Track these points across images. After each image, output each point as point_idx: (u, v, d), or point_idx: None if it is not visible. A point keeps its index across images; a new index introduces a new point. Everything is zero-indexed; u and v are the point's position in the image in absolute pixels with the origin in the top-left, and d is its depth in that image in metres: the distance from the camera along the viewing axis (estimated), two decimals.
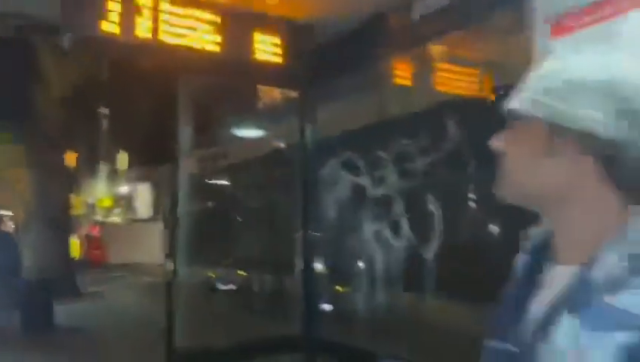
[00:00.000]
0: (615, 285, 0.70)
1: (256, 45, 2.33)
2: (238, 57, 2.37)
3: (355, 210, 2.81)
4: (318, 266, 2.84)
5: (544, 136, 0.78)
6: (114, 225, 24.55)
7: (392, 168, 2.55)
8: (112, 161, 30.64)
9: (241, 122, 13.91)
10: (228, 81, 4.01)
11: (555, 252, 0.82)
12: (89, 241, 21.87)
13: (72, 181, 16.32)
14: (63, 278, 10.85)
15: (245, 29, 2.30)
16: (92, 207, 32.70)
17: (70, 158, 15.93)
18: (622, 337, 0.67)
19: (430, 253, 2.31)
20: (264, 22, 2.34)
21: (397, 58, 2.94)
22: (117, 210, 31.14)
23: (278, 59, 2.40)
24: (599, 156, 0.76)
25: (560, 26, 1.54)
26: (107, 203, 32.34)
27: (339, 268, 2.90)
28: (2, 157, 12.25)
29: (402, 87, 2.94)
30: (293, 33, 2.41)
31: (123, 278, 15.77)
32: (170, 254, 2.49)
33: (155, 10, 2.04)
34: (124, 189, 29.61)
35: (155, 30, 2.07)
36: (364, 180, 2.74)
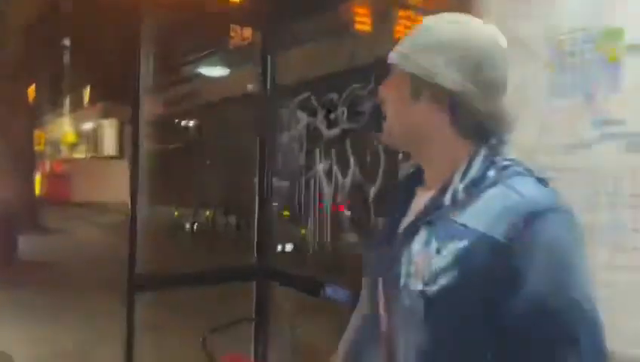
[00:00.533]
0: (458, 206, 0.90)
1: None
2: None
3: (310, 151, 2.95)
4: (275, 205, 2.99)
5: (410, 86, 0.95)
6: (78, 162, 24.10)
7: (344, 110, 2.68)
8: (76, 96, 29.74)
9: (206, 62, 13.66)
10: (192, 19, 3.99)
11: (424, 181, 1.01)
12: (53, 178, 21.53)
13: (34, 116, 15.91)
14: (26, 214, 10.82)
15: None
16: (56, 144, 31.97)
17: (32, 92, 15.45)
18: (460, 243, 0.86)
19: (373, 193, 2.49)
20: None
21: (358, 4, 3.00)
22: (81, 147, 30.52)
23: None
24: (448, 106, 0.93)
25: None
26: (71, 139, 31.61)
27: (293, 206, 3.07)
28: None
29: (362, 34, 3.02)
30: None
31: (87, 216, 15.76)
32: (132, 191, 2.59)
33: None
34: (88, 125, 28.92)
35: None
36: (319, 122, 2.87)
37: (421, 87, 0.94)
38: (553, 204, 0.87)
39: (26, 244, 8.98)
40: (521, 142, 1.48)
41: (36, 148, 18.67)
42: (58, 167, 22.33)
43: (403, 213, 1.01)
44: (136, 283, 2.39)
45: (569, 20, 1.39)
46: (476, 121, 0.93)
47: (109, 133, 26.67)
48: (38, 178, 18.90)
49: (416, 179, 1.03)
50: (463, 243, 0.86)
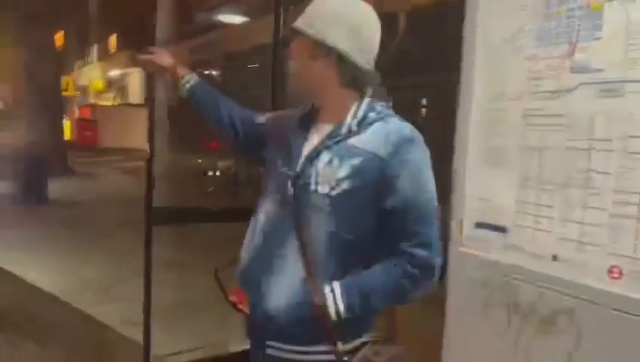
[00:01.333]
0: (352, 135, 1.28)
1: None
2: None
3: None
4: None
5: (312, 47, 1.29)
6: (106, 108, 24.46)
7: None
8: (104, 43, 29.91)
9: (226, 10, 13.53)
10: None
11: (319, 117, 1.36)
12: (81, 124, 21.98)
13: (62, 62, 16.15)
14: (55, 157, 11.19)
15: None
16: (84, 90, 32.42)
17: (60, 39, 15.61)
18: (355, 160, 1.25)
19: None
20: None
21: None
22: (109, 94, 30.92)
23: None
24: (336, 63, 1.29)
25: None
26: (99, 86, 32.01)
27: None
28: None
29: None
30: None
31: (113, 161, 16.15)
32: (149, 138, 2.70)
33: None
34: (116, 73, 29.20)
35: None
36: None
37: (318, 48, 1.28)
38: (415, 134, 1.29)
39: (56, 186, 9.35)
40: (511, 89, 1.57)
41: (65, 94, 19.05)
42: (86, 113, 22.71)
43: (300, 143, 1.35)
44: (154, 217, 2.56)
45: None
46: (356, 75, 1.30)
47: (134, 82, 26.92)
48: (67, 123, 19.36)
49: (310, 116, 1.38)
50: (357, 160, 1.25)
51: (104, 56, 30.33)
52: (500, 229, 1.58)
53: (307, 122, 1.38)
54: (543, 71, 1.46)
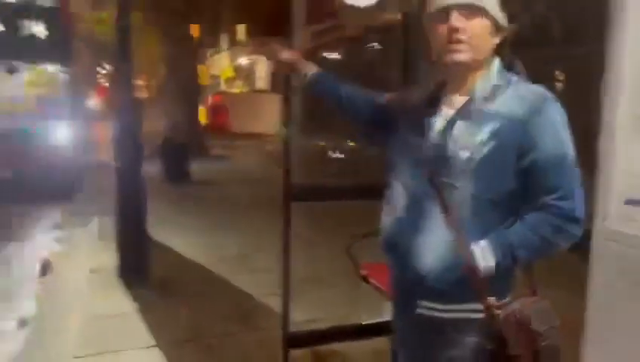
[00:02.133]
0: (488, 101, 1.35)
1: None
2: None
3: None
4: None
5: (493, 24, 1.37)
6: (236, 95, 25.98)
7: None
8: (233, 33, 31.68)
9: None
10: None
11: (448, 90, 1.44)
12: (214, 110, 23.60)
13: (197, 52, 17.43)
14: (194, 140, 12.21)
15: None
16: (216, 78, 34.68)
17: (194, 30, 16.84)
18: (494, 124, 1.32)
19: None
20: None
21: None
22: (238, 82, 32.77)
23: None
24: (502, 42, 1.40)
25: None
26: (229, 74, 34.01)
27: None
28: (136, 33, 13.34)
29: None
30: None
31: (244, 144, 17.17)
32: (285, 123, 2.88)
33: None
34: (244, 61, 30.82)
35: None
36: None
37: (497, 25, 1.37)
38: (550, 95, 1.34)
39: (195, 167, 10.23)
40: None
41: (200, 81, 20.58)
42: (218, 100, 24.32)
43: (434, 115, 1.43)
44: (292, 193, 2.76)
45: None
46: (505, 49, 1.41)
47: (262, 69, 28.22)
48: (202, 109, 20.92)
49: (438, 91, 1.46)
50: (494, 124, 1.32)
51: (233, 45, 32.10)
52: None
53: (437, 96, 1.46)
54: None
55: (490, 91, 1.36)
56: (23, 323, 3.82)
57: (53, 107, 9.08)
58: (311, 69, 1.79)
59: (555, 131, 1.31)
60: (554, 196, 1.30)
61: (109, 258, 4.74)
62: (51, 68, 8.83)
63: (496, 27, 1.38)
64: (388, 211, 1.49)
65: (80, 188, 8.67)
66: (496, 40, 1.39)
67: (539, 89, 1.36)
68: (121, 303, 4.01)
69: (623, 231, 1.59)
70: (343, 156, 12.19)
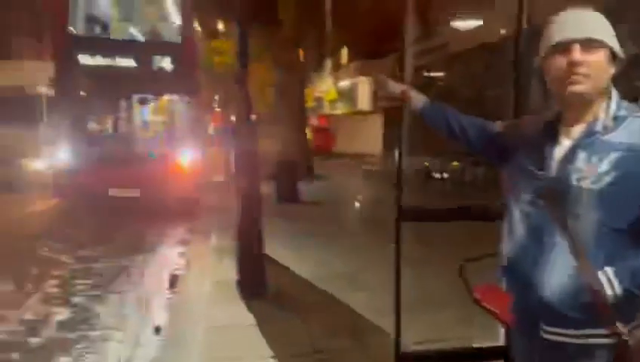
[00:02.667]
0: (608, 131, 1.39)
1: None
2: None
3: None
4: None
5: (610, 55, 1.42)
6: (338, 117, 26.59)
7: None
8: (336, 56, 32.55)
9: (458, 13, 13.50)
10: None
11: (566, 120, 1.48)
12: (317, 131, 24.34)
13: (305, 77, 18.19)
14: (302, 162, 12.72)
15: None
16: (320, 100, 35.72)
17: (301, 55, 17.60)
18: (615, 154, 1.35)
19: None
20: None
21: None
22: (340, 103, 33.50)
23: None
24: (618, 70, 1.44)
25: None
26: (332, 96, 34.89)
27: None
28: (252, 60, 14.23)
29: None
30: None
31: (347, 164, 17.49)
32: (392, 144, 3.02)
33: None
34: (347, 83, 31.50)
35: None
36: None
37: (613, 56, 1.43)
38: None
39: (302, 187, 10.65)
40: None
41: (307, 105, 21.38)
42: (321, 122, 25.04)
43: (551, 145, 1.48)
44: (402, 215, 2.88)
45: None
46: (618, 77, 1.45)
47: (363, 90, 28.65)
48: (308, 131, 21.67)
49: (556, 121, 1.51)
50: (617, 154, 1.35)
51: (336, 68, 32.94)
52: None
53: (554, 126, 1.50)
54: None
55: (611, 121, 1.40)
56: (157, 330, 4.27)
57: (176, 133, 10.01)
58: (419, 101, 1.90)
59: None
60: None
61: (228, 272, 5.13)
62: (176, 97, 9.75)
63: (613, 58, 1.43)
64: (508, 237, 1.54)
65: (201, 206, 9.40)
66: (613, 70, 1.44)
67: None
68: (241, 315, 4.33)
69: None
70: (447, 176, 12.04)
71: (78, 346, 4.01)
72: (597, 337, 1.36)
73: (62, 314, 4.66)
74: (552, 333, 1.41)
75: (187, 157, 9.35)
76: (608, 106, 1.42)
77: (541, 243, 1.42)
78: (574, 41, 1.40)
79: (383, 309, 3.06)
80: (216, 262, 5.87)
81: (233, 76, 5.75)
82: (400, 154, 3.04)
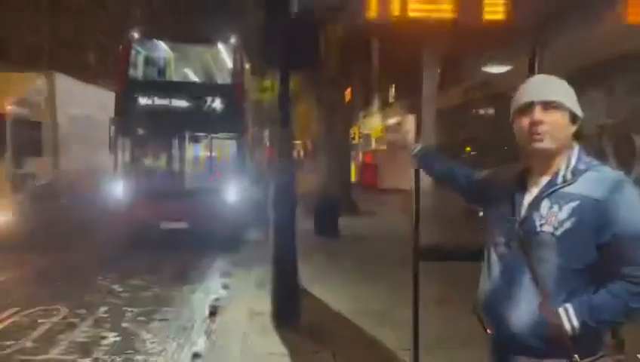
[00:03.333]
0: (567, 183, 1.59)
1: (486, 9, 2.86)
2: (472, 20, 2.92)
3: None
4: None
5: (569, 116, 1.63)
6: (384, 153, 26.76)
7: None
8: (383, 95, 33.00)
9: (487, 61, 13.56)
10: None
11: (534, 171, 1.68)
12: (364, 167, 24.57)
13: (349, 114, 18.58)
14: (344, 197, 12.93)
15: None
16: (367, 137, 36.08)
17: (349, 94, 18.04)
18: (574, 203, 1.54)
19: None
20: None
21: None
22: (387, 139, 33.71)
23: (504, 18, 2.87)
24: (578, 129, 1.65)
25: None
26: (378, 132, 35.18)
27: None
28: (295, 98, 14.69)
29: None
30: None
31: (390, 200, 17.53)
32: (415, 183, 3.24)
33: None
34: (393, 120, 31.75)
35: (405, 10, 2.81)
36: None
37: (574, 117, 1.64)
38: (625, 177, 1.56)
39: (345, 222, 10.83)
40: None
41: (352, 141, 21.74)
42: (368, 158, 25.27)
43: (523, 192, 1.69)
44: (421, 253, 3.06)
45: None
46: (580, 136, 1.66)
47: (409, 127, 28.79)
48: (353, 167, 21.93)
49: (526, 171, 1.71)
50: (575, 203, 1.55)
51: (384, 106, 33.34)
52: None
53: (524, 176, 1.72)
54: None
55: (570, 174, 1.59)
56: (196, 356, 4.54)
57: (226, 169, 10.49)
58: (424, 154, 2.26)
59: (633, 210, 1.51)
60: (633, 267, 1.49)
61: (266, 304, 5.37)
62: (225, 135, 10.27)
63: (573, 117, 1.62)
64: (486, 277, 1.75)
65: (246, 240, 9.76)
66: (574, 128, 1.63)
67: (616, 172, 1.57)
68: (275, 345, 4.55)
69: None
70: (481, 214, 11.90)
71: None
72: None
73: (110, 337, 5.02)
74: None
75: (236, 192, 9.77)
76: (569, 161, 1.61)
77: (512, 282, 1.62)
78: (535, 103, 1.61)
79: (409, 344, 3.22)
80: (256, 293, 6.13)
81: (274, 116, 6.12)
82: (417, 191, 3.24)
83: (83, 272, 7.65)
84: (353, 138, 22.89)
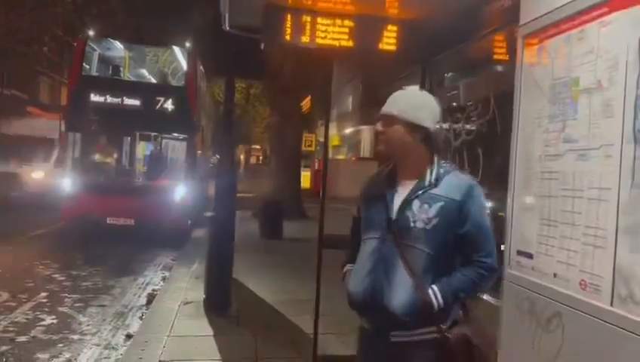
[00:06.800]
0: (432, 186, 1.90)
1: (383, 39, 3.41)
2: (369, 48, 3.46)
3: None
4: None
5: (406, 127, 1.94)
6: (337, 161, 27.34)
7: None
8: (342, 104, 33.78)
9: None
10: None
11: (401, 175, 1.97)
12: (317, 175, 25.10)
13: (305, 123, 19.06)
14: (291, 202, 13.36)
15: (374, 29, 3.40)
16: (323, 146, 36.69)
17: (306, 103, 18.49)
18: (439, 203, 1.88)
19: None
20: (386, 23, 3.38)
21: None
22: (343, 149, 34.47)
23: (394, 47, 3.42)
24: (424, 136, 1.94)
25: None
26: (335, 142, 35.89)
27: None
28: (249, 105, 15.02)
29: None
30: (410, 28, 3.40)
31: (340, 207, 18.07)
32: (322, 187, 3.75)
33: (313, 23, 3.29)
34: (350, 130, 32.54)
35: (312, 37, 3.33)
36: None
37: (412, 128, 1.93)
38: (474, 181, 1.96)
39: (290, 226, 11.27)
40: (533, 153, 2.17)
41: (308, 149, 22.25)
42: (322, 166, 25.73)
43: (393, 193, 1.97)
44: (323, 242, 3.57)
45: (561, 70, 2.03)
46: (433, 142, 1.97)
47: (365, 137, 29.60)
48: (307, 174, 22.41)
49: (394, 174, 2.01)
50: (440, 204, 1.88)
51: (341, 116, 34.07)
52: (528, 255, 2.14)
53: (393, 178, 2.00)
54: (550, 140, 2.04)
55: (435, 179, 1.90)
56: (128, 337, 4.91)
57: (174, 169, 10.81)
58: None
59: (480, 209, 1.91)
60: (480, 254, 1.90)
61: (200, 294, 5.78)
62: (177, 136, 10.59)
63: (412, 127, 1.91)
64: (358, 265, 2.00)
65: (190, 236, 10.09)
66: (418, 136, 1.92)
67: (468, 179, 1.96)
68: (203, 328, 4.97)
69: (516, 274, 2.21)
70: None
71: (60, 345, 4.66)
72: (428, 334, 1.91)
73: (48, 319, 5.32)
74: (398, 336, 1.91)
75: (181, 190, 10.09)
76: (432, 167, 1.93)
77: (389, 271, 1.91)
78: (380, 115, 2.00)
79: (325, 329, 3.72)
80: (192, 285, 6.51)
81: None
82: (324, 190, 3.77)
83: (26, 263, 7.84)
84: (310, 146, 23.36)
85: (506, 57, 3.34)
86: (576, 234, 1.87)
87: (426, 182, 1.91)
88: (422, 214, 1.87)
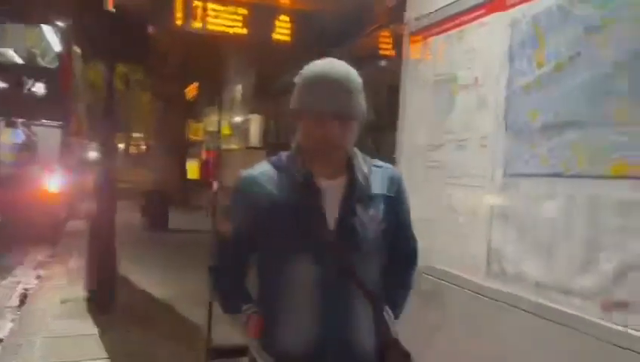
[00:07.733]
0: (367, 185, 1.50)
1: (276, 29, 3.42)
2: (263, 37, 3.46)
3: None
4: None
5: (355, 123, 1.47)
6: (229, 151, 26.99)
7: None
8: (230, 94, 33.24)
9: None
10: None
11: (320, 171, 1.48)
12: (206, 165, 24.55)
13: (192, 111, 18.49)
14: (177, 193, 12.99)
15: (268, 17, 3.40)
16: (213, 135, 35.89)
17: (192, 91, 17.94)
18: (380, 206, 1.51)
19: None
20: (280, 12, 3.41)
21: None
22: (234, 138, 33.97)
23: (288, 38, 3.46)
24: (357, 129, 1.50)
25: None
26: (226, 131, 35.26)
27: None
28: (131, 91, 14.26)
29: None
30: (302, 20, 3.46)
31: (224, 196, 17.89)
32: (214, 175, 3.72)
33: (204, 10, 3.23)
34: (239, 119, 32.12)
35: (204, 23, 3.25)
36: None
37: (358, 120, 1.48)
38: (397, 170, 1.67)
39: (175, 216, 10.95)
40: (420, 143, 2.32)
41: (195, 138, 21.62)
42: (210, 155, 25.24)
43: (318, 199, 1.50)
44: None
45: (443, 67, 2.19)
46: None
47: (254, 128, 29.45)
48: (194, 164, 21.83)
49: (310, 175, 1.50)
50: (382, 204, 1.51)
51: (231, 104, 33.56)
52: None
53: (309, 182, 1.48)
54: (433, 132, 2.20)
55: (365, 177, 1.51)
56: None
57: (47, 158, 9.96)
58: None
59: (408, 199, 1.64)
60: (413, 241, 1.68)
61: (79, 291, 5.43)
62: (47, 122, 9.75)
63: (359, 120, 1.47)
64: (295, 317, 1.48)
65: (65, 231, 9.39)
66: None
67: (395, 170, 1.65)
68: (87, 327, 4.68)
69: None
70: None
71: None
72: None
73: None
74: None
75: (56, 183, 9.35)
76: (358, 163, 1.53)
77: (341, 301, 1.47)
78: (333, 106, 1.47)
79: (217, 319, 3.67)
80: (70, 282, 6.09)
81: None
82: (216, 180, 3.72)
83: None
84: (197, 135, 22.71)
85: (393, 53, 3.54)
86: (455, 218, 2.05)
87: (362, 179, 1.51)
88: (370, 221, 1.49)
